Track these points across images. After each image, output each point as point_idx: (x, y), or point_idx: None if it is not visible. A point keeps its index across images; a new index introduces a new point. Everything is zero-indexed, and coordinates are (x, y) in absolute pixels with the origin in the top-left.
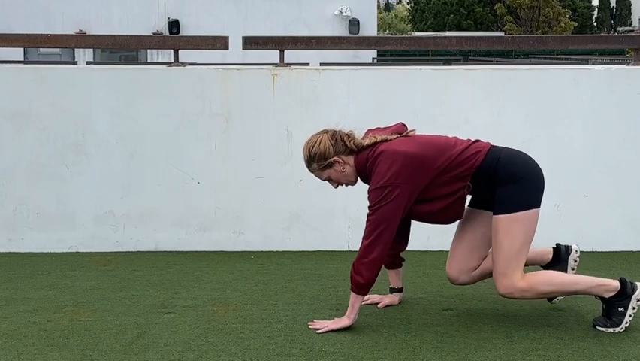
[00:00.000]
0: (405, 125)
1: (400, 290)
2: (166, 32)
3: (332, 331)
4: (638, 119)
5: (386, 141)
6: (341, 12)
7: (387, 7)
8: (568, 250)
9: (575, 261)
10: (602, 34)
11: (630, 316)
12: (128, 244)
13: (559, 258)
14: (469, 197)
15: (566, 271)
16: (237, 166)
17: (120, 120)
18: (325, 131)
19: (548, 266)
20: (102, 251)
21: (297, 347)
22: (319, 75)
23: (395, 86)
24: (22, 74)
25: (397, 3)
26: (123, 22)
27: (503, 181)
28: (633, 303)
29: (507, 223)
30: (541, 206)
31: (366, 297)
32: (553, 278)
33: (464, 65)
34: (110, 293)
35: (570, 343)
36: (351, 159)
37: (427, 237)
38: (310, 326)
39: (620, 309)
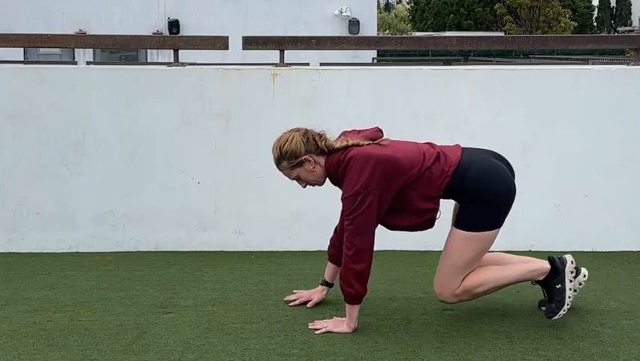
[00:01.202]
0: (381, 131)
1: (330, 285)
2: (166, 32)
3: (331, 332)
4: (638, 119)
5: (358, 145)
6: (341, 12)
7: (387, 7)
8: (562, 261)
9: (572, 272)
10: (602, 34)
11: (570, 289)
12: (128, 244)
13: (556, 270)
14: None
15: (564, 283)
16: (237, 166)
17: (120, 120)
18: (297, 130)
19: (546, 278)
20: (102, 251)
21: (297, 347)
22: (319, 75)
23: (395, 86)
24: (22, 74)
25: (397, 3)
26: (123, 22)
27: (469, 198)
28: (568, 276)
29: (463, 239)
30: (542, 205)
31: (293, 297)
32: (487, 278)
33: (464, 65)
34: (110, 293)
35: (570, 343)
36: (322, 160)
37: (427, 237)
38: (310, 326)
39: (557, 286)
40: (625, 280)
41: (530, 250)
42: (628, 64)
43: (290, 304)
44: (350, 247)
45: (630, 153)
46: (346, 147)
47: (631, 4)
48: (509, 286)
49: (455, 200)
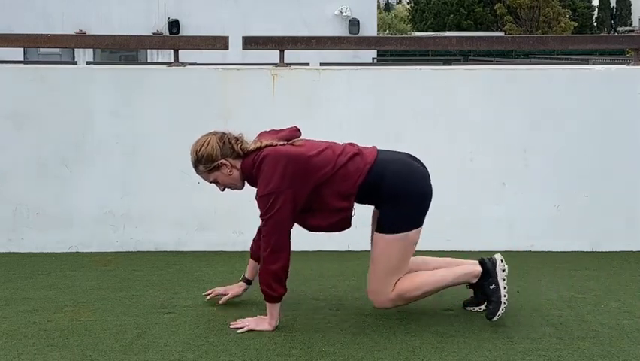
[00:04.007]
0: (299, 130)
1: (249, 282)
2: (166, 32)
3: (253, 330)
4: (638, 119)
5: (271, 146)
6: (341, 12)
7: (387, 7)
8: (492, 261)
9: (504, 270)
10: (602, 34)
11: (504, 288)
12: (128, 244)
13: (488, 272)
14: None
15: (498, 283)
16: None
17: (120, 120)
18: (214, 133)
19: (479, 281)
20: (102, 251)
21: (297, 347)
22: (319, 75)
23: (395, 86)
24: (22, 74)
25: (397, 3)
26: (123, 22)
27: (386, 200)
28: (500, 275)
29: (386, 243)
30: (542, 205)
31: (209, 290)
32: (421, 283)
33: (464, 65)
34: (110, 293)
35: (570, 343)
36: (238, 163)
37: (427, 237)
38: (232, 326)
39: (491, 287)
40: (625, 280)
41: (530, 250)
42: (628, 64)
43: (207, 298)
44: (266, 248)
45: (630, 152)
46: (260, 148)
47: (631, 4)
48: (447, 288)
49: (372, 203)
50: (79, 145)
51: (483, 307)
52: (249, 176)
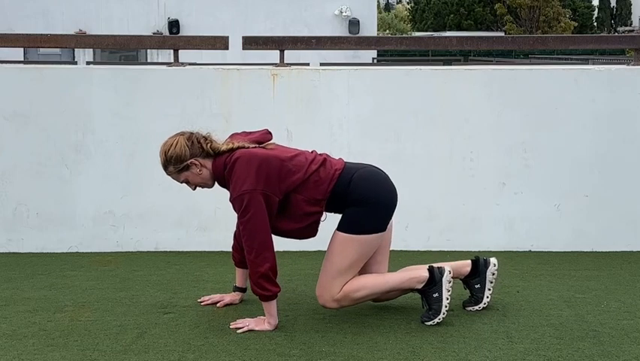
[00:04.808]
0: (270, 133)
1: (243, 290)
2: (166, 32)
3: (253, 331)
4: (638, 119)
5: (244, 148)
6: (341, 12)
7: (387, 7)
8: (487, 263)
9: (493, 274)
10: (602, 34)
11: (447, 299)
12: (128, 244)
13: (477, 271)
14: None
15: (484, 283)
16: None
17: (120, 120)
18: (182, 134)
19: (467, 278)
20: (102, 251)
21: (297, 347)
22: (319, 75)
23: (395, 86)
24: (22, 74)
25: (397, 3)
26: (123, 22)
27: (352, 203)
28: (445, 285)
29: (344, 242)
30: (542, 205)
31: (206, 297)
32: (365, 283)
33: (464, 65)
34: (110, 293)
35: (570, 343)
36: (208, 162)
37: (427, 237)
38: (232, 326)
39: (435, 295)
40: (625, 280)
41: (530, 250)
42: (628, 64)
43: (202, 304)
44: (250, 251)
45: (630, 153)
46: (232, 150)
47: (631, 4)
48: (401, 290)
49: (338, 208)
50: (79, 145)
51: (482, 305)
52: (220, 177)
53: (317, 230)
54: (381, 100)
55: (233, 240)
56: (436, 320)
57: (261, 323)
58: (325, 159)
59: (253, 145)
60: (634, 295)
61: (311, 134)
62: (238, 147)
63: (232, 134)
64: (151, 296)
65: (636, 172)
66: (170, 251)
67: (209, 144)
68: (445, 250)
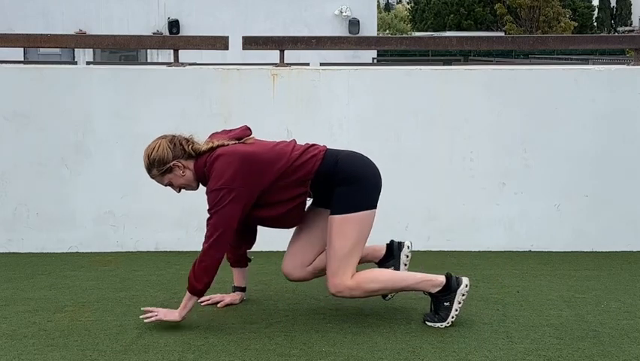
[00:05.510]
0: (249, 129)
1: (242, 289)
2: (166, 32)
3: (160, 321)
4: (638, 119)
5: (224, 145)
6: (341, 12)
7: (387, 7)
8: (400, 245)
9: (407, 256)
10: (602, 34)
11: (456, 310)
12: (128, 244)
13: (391, 254)
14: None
15: (398, 266)
16: None
17: (120, 120)
18: (164, 137)
19: (381, 262)
20: (102, 251)
21: (297, 347)
22: (319, 75)
23: (395, 86)
24: (22, 74)
25: (397, 3)
26: (123, 22)
27: (341, 182)
28: (458, 298)
29: (341, 224)
30: (542, 205)
31: (207, 297)
32: (381, 276)
33: (464, 65)
34: (110, 293)
35: (570, 343)
36: (190, 164)
37: (427, 237)
38: (141, 316)
39: (445, 304)
40: (625, 280)
41: (530, 250)
42: (628, 64)
43: (202, 304)
44: (207, 240)
45: (630, 152)
46: (212, 149)
47: (631, 4)
48: (411, 291)
49: (326, 192)
50: (79, 145)
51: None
52: (202, 175)
53: (303, 213)
54: (382, 100)
55: None
56: (438, 325)
57: (171, 314)
58: (307, 145)
59: (233, 142)
60: (634, 295)
61: (311, 134)
62: (218, 146)
63: (212, 134)
64: (151, 296)
65: (636, 172)
66: (170, 251)
67: (190, 146)
68: (445, 250)
